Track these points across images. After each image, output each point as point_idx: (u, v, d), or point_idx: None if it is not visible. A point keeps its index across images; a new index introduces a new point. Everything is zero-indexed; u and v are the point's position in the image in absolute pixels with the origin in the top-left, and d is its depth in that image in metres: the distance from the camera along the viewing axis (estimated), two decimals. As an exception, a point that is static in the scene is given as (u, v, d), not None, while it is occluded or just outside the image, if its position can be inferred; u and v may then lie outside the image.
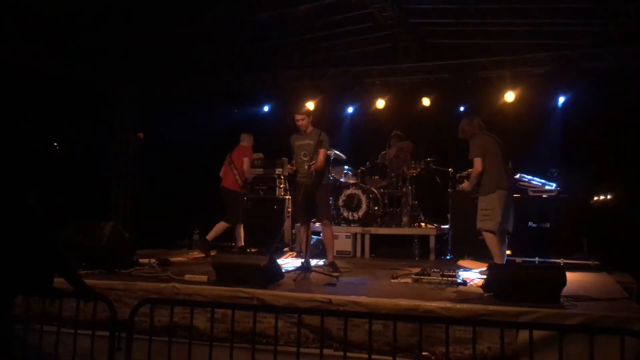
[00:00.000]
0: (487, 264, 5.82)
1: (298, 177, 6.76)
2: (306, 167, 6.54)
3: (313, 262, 6.84)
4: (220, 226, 8.13)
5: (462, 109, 9.60)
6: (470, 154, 6.47)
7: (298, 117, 6.63)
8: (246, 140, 8.43)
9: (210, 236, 8.12)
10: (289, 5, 7.87)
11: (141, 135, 7.75)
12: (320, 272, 6.32)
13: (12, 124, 7.77)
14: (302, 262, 6.33)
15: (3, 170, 3.67)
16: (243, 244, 8.24)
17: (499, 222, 6.20)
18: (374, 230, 8.75)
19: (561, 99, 9.17)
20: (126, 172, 9.91)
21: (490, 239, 6.26)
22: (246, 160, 8.21)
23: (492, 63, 9.00)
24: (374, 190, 9.01)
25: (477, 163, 6.39)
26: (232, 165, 8.18)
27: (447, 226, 8.63)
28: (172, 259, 7.32)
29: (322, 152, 6.53)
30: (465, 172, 8.42)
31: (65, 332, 4.48)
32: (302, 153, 6.67)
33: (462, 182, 7.10)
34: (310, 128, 6.68)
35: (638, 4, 7.03)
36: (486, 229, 6.27)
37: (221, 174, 8.32)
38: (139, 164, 9.70)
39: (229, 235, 9.06)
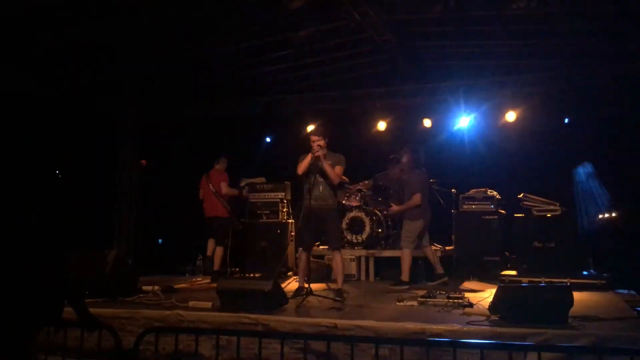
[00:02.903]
0: (491, 285, 5.82)
1: (309, 200, 6.52)
2: (321, 188, 6.52)
3: (315, 286, 6.79)
4: (219, 252, 8.53)
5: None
6: (412, 188, 7.64)
7: (314, 138, 6.51)
8: (222, 164, 8.82)
9: (216, 266, 8.49)
10: (289, 30, 7.93)
11: (144, 162, 7.80)
12: (324, 297, 6.28)
13: (14, 151, 7.77)
14: (306, 287, 6.28)
15: (11, 196, 3.66)
16: (217, 267, 8.52)
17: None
18: (378, 252, 8.72)
19: (563, 118, 9.19)
20: (129, 199, 9.92)
21: (407, 256, 7.50)
22: (224, 185, 8.61)
23: (492, 84, 9.04)
24: (377, 212, 9.00)
25: (417, 198, 7.55)
26: (217, 194, 8.53)
27: (451, 247, 8.60)
28: (176, 286, 7.29)
29: (338, 168, 6.55)
30: (470, 193, 8.46)
31: (70, 362, 4.45)
32: (317, 174, 6.51)
33: (390, 206, 8.32)
34: (325, 151, 6.56)
35: (634, 22, 7.07)
36: (408, 248, 7.52)
37: (201, 196, 8.69)
38: (141, 191, 9.71)
39: (232, 259, 9.10)
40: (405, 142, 8.27)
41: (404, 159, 7.94)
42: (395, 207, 8.03)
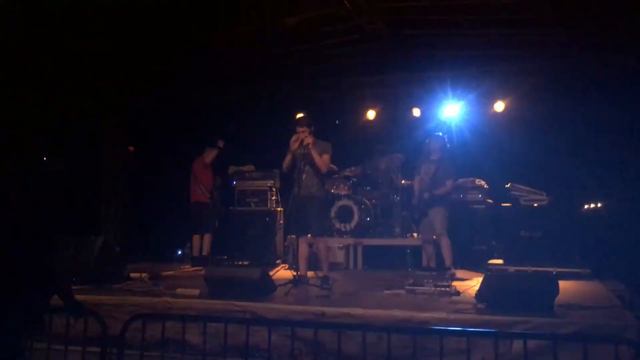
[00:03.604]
0: (478, 274, 5.86)
1: (298, 190, 6.56)
2: (307, 177, 6.54)
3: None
4: (207, 239, 8.67)
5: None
6: (447, 172, 7.45)
7: (300, 129, 6.56)
8: (208, 153, 8.81)
9: (205, 251, 8.61)
10: (276, 17, 7.86)
11: (131, 148, 7.75)
12: (312, 285, 6.29)
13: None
14: (294, 275, 6.29)
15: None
16: (206, 252, 8.70)
17: None
18: (366, 241, 8.74)
19: (550, 108, 9.21)
20: (116, 185, 9.86)
21: (449, 243, 7.33)
22: (203, 172, 8.74)
23: (481, 73, 9.04)
24: (366, 201, 9.01)
25: (451, 183, 7.50)
26: (196, 179, 8.65)
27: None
28: (164, 273, 7.27)
29: (326, 156, 6.54)
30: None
31: (56, 348, 4.43)
32: (304, 163, 6.56)
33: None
34: (311, 139, 6.57)
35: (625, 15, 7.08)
36: (446, 235, 7.34)
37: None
38: (129, 177, 9.65)
39: (220, 247, 9.13)
40: (434, 129, 8.16)
41: (437, 145, 7.70)
42: (430, 194, 7.48)
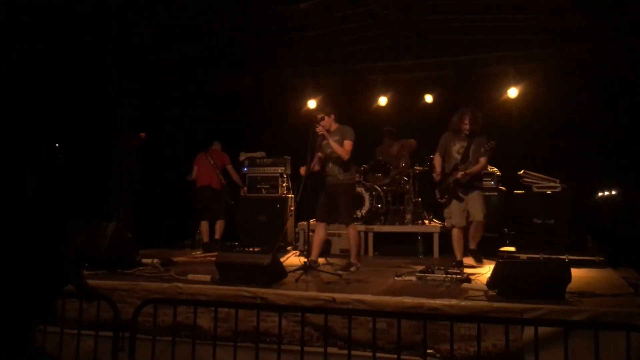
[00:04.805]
0: (490, 261, 5.82)
1: (324, 176, 6.71)
2: (330, 164, 6.64)
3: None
4: (220, 224, 8.91)
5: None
6: (482, 152, 6.56)
7: (319, 117, 6.64)
8: (218, 146, 9.21)
9: (217, 235, 8.87)
10: (289, 2, 7.83)
11: (143, 135, 7.75)
12: (323, 271, 6.30)
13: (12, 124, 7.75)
14: (305, 261, 6.30)
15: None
16: (218, 237, 8.94)
17: None
18: (377, 227, 8.73)
19: (564, 95, 9.11)
20: (128, 172, 9.90)
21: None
22: (232, 169, 9.06)
23: (495, 59, 8.96)
24: (377, 187, 8.99)
25: (484, 161, 6.67)
26: (215, 166, 8.87)
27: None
28: (175, 259, 7.31)
29: (346, 143, 6.53)
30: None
31: (69, 332, 4.49)
32: (328, 151, 6.64)
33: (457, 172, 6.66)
34: (334, 126, 6.67)
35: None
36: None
37: (194, 176, 8.96)
38: (140, 163, 9.68)
39: (231, 233, 9.17)
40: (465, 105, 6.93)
41: (469, 120, 6.64)
42: (462, 174, 6.55)
